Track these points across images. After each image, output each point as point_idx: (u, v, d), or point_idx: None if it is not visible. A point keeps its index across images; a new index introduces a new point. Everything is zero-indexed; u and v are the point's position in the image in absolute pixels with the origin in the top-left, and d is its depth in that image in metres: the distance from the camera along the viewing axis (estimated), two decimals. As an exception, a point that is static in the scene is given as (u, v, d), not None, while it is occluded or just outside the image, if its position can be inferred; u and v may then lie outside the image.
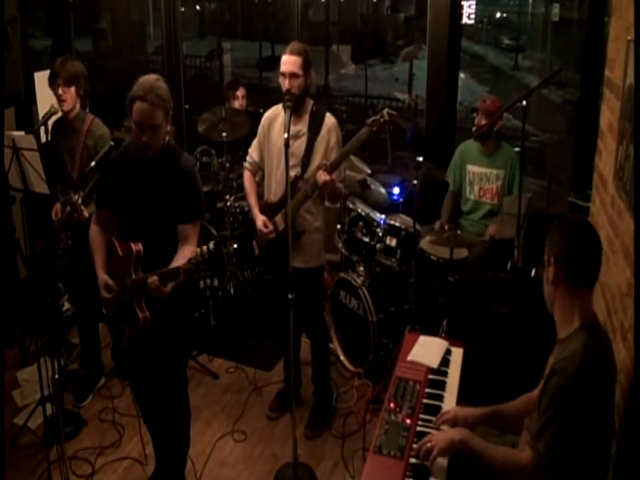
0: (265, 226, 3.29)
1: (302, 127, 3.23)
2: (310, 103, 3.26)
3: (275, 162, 3.27)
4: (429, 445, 2.05)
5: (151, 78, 2.61)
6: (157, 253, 2.62)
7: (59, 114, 3.48)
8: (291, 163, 3.20)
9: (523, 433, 2.14)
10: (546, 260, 2.04)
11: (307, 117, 3.24)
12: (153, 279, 2.47)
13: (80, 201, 2.99)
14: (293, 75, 3.11)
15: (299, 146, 3.23)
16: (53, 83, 3.39)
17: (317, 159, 3.23)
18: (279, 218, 3.29)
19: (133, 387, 3.10)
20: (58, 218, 3.41)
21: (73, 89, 3.38)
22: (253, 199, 3.41)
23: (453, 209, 4.29)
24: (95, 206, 2.83)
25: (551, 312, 2.08)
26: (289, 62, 3.12)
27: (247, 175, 3.49)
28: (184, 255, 2.55)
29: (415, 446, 2.10)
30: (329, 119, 3.27)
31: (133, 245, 2.60)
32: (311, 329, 3.62)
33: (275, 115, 3.33)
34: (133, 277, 2.59)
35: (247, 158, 3.50)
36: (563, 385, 1.86)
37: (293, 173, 3.21)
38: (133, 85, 2.60)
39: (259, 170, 3.47)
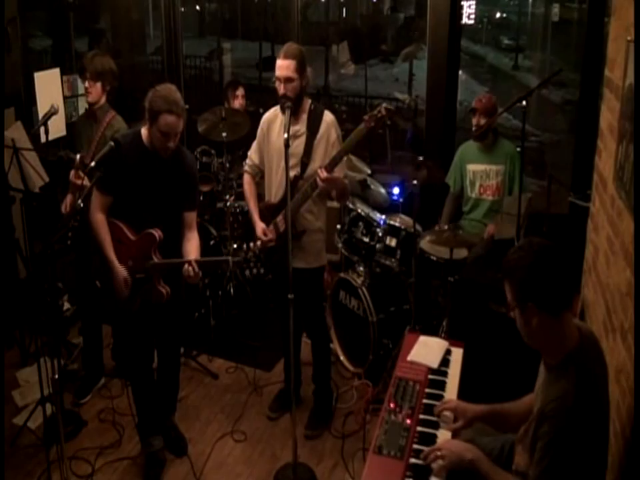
0: (265, 234, 3.29)
1: (300, 126, 3.22)
2: (307, 103, 3.25)
3: (275, 163, 3.27)
4: (438, 453, 2.04)
5: (170, 89, 2.82)
6: (167, 239, 2.92)
7: (86, 106, 3.62)
8: (290, 163, 3.21)
9: (517, 447, 2.09)
10: (517, 304, 1.91)
11: (305, 117, 3.23)
12: (192, 268, 2.76)
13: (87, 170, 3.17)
14: (287, 79, 3.09)
15: (298, 145, 3.22)
16: (81, 75, 3.58)
17: (317, 158, 3.22)
18: (280, 219, 3.28)
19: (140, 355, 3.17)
20: (67, 211, 3.53)
21: (99, 84, 3.53)
22: (252, 204, 3.40)
23: (454, 212, 4.29)
24: (100, 192, 2.90)
25: (530, 344, 1.98)
26: (282, 66, 3.10)
27: (246, 179, 3.47)
28: (195, 243, 2.98)
29: (424, 448, 2.09)
30: (327, 116, 3.25)
31: (154, 231, 2.87)
32: (312, 329, 3.62)
33: (274, 116, 3.32)
34: (155, 260, 2.89)
35: (247, 161, 3.49)
36: (557, 430, 1.80)
37: (292, 173, 3.20)
38: (150, 95, 2.77)
39: (258, 172, 3.46)
